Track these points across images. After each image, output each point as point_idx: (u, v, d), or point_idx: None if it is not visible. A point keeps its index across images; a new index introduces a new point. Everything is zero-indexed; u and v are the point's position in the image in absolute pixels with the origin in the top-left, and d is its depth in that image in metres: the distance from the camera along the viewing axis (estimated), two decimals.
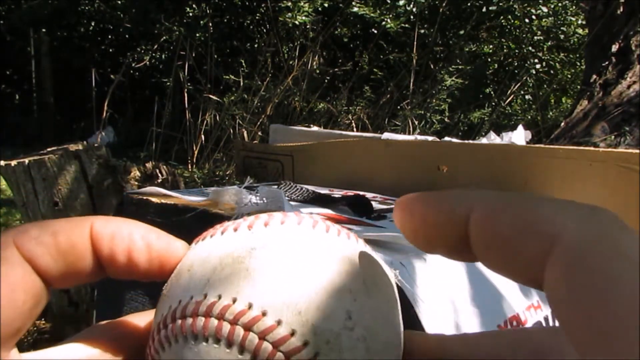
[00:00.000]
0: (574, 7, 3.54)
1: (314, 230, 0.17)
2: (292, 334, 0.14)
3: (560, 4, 3.56)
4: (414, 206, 0.16)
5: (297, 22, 2.99)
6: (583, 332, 0.11)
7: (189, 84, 2.79)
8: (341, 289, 0.15)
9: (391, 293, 0.16)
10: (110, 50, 5.25)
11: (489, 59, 3.96)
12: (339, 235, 0.17)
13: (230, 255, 0.16)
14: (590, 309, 0.10)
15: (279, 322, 0.14)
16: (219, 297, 0.15)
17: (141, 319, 0.18)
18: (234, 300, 0.14)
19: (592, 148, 0.53)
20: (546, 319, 0.46)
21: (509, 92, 3.00)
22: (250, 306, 0.14)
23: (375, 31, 3.26)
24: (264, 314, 0.14)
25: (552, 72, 3.67)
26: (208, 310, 0.14)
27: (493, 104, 3.22)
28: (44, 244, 0.15)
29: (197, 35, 3.78)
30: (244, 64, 2.84)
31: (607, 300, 0.10)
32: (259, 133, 2.40)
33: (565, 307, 0.11)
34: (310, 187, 0.62)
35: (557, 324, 0.12)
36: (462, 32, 3.57)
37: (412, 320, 0.33)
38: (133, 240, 0.16)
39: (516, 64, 3.54)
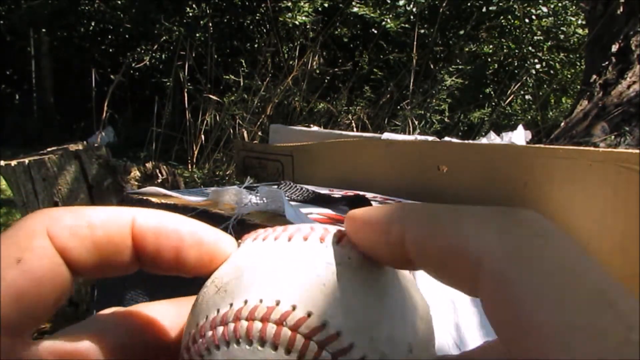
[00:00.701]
0: (574, 7, 3.54)
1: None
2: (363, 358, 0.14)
3: (560, 4, 3.56)
4: (358, 227, 0.16)
5: (297, 22, 2.99)
6: (508, 338, 0.11)
7: (189, 84, 2.79)
8: (407, 320, 0.15)
9: (432, 327, 0.16)
10: (110, 50, 5.25)
11: (489, 59, 3.96)
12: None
13: (303, 261, 0.15)
14: (517, 329, 0.11)
15: (351, 346, 0.14)
16: (293, 307, 0.14)
17: (150, 309, 0.17)
18: (309, 314, 0.14)
19: (592, 148, 0.53)
20: None
21: (509, 92, 2.99)
22: (325, 324, 0.14)
23: (375, 31, 3.26)
24: (338, 334, 0.14)
25: (552, 72, 3.67)
26: (281, 319, 0.14)
27: (493, 104, 3.22)
28: (80, 236, 0.15)
29: (197, 35, 3.78)
30: (244, 64, 2.84)
31: (528, 322, 0.11)
32: (259, 133, 2.40)
33: (498, 325, 0.12)
34: (310, 187, 0.62)
35: None
36: (462, 32, 3.57)
37: None
38: (182, 237, 0.16)
39: (516, 64, 3.54)
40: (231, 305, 0.15)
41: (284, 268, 0.15)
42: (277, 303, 0.14)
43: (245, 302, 0.15)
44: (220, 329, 0.14)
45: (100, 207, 0.16)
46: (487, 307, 0.12)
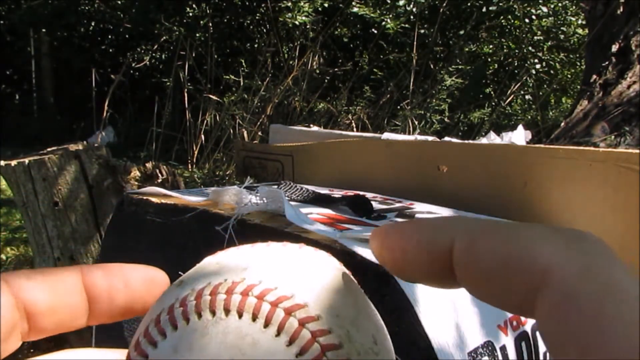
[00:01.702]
0: (574, 7, 3.54)
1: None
2: (330, 331, 0.14)
3: (560, 4, 3.56)
4: (391, 239, 0.15)
5: (297, 22, 2.99)
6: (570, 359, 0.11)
7: (189, 84, 2.79)
8: (372, 315, 0.15)
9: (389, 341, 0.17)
10: (110, 50, 5.25)
11: (489, 59, 3.96)
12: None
13: (272, 251, 0.16)
14: (583, 350, 0.10)
15: (318, 317, 0.14)
16: (260, 282, 0.14)
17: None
18: (276, 288, 0.14)
19: (592, 148, 0.53)
20: None
21: (509, 92, 3.00)
22: (292, 295, 0.14)
23: (375, 31, 3.26)
24: (306, 304, 0.14)
25: (552, 72, 3.67)
26: (247, 290, 0.14)
27: (493, 104, 3.22)
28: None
29: (197, 35, 3.78)
30: (244, 64, 2.84)
31: (601, 343, 0.10)
32: (259, 133, 2.40)
33: (558, 344, 0.11)
34: (310, 187, 0.62)
35: None
36: (462, 32, 3.57)
37: (412, 320, 0.33)
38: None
39: (516, 64, 3.54)
40: (193, 289, 0.14)
41: (249, 253, 0.15)
42: (242, 280, 0.14)
43: (209, 283, 0.14)
44: (179, 309, 0.14)
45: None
46: (547, 324, 0.11)
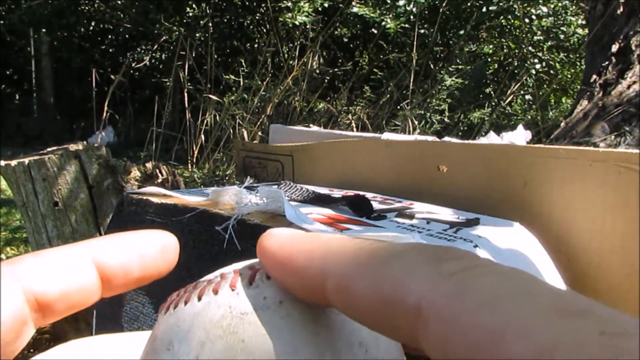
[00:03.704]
0: (574, 7, 3.54)
1: None
2: None
3: (560, 4, 3.56)
4: (273, 263, 0.14)
5: (297, 22, 2.99)
6: None
7: (189, 84, 2.79)
8: (350, 350, 0.14)
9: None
10: (110, 50, 5.26)
11: (489, 59, 3.96)
12: None
13: (218, 325, 0.13)
14: None
15: None
16: None
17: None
18: None
19: (592, 148, 0.53)
20: None
21: (509, 92, 2.99)
22: None
23: (375, 31, 3.26)
24: None
25: (552, 72, 3.67)
26: None
27: (493, 104, 3.22)
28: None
29: (197, 35, 3.78)
30: (244, 64, 2.84)
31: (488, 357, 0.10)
32: (259, 133, 2.40)
33: None
34: (310, 187, 0.62)
35: None
36: (462, 32, 3.57)
37: None
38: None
39: (516, 64, 3.54)
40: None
41: (197, 337, 0.13)
42: None
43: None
44: None
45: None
46: (434, 354, 0.11)
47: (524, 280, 0.11)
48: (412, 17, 3.13)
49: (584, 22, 3.23)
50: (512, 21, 3.71)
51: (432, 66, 3.29)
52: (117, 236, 0.16)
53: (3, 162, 1.07)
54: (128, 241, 0.16)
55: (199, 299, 0.14)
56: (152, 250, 0.16)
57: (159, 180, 1.18)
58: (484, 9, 3.46)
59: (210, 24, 3.67)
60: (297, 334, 0.13)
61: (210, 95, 2.51)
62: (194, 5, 4.14)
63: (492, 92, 3.63)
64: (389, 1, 3.27)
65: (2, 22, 4.92)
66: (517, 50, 3.68)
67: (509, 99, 3.07)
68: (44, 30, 4.77)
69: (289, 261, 0.14)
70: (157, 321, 0.15)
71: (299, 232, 0.15)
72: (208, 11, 3.92)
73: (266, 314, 0.13)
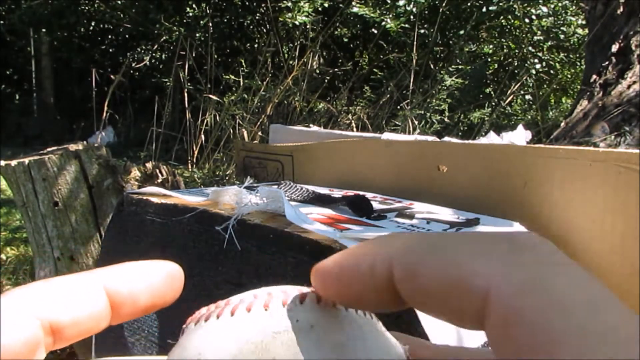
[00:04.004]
0: (574, 7, 3.54)
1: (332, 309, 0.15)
2: None
3: (560, 4, 3.56)
4: (333, 275, 0.15)
5: (297, 22, 2.99)
6: None
7: (189, 84, 2.79)
8: None
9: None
10: (110, 50, 5.26)
11: (489, 59, 3.96)
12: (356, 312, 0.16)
13: (250, 341, 0.13)
14: None
15: None
16: None
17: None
18: None
19: (592, 148, 0.53)
20: None
21: (509, 92, 2.99)
22: None
23: (375, 31, 3.26)
24: None
25: (552, 72, 3.67)
26: None
27: (493, 104, 3.22)
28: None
29: (197, 35, 3.78)
30: (244, 64, 2.84)
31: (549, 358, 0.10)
32: (259, 133, 2.40)
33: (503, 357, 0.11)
34: (310, 187, 0.62)
35: None
36: (462, 32, 3.57)
37: (411, 320, 0.33)
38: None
39: (516, 64, 3.54)
40: None
41: (229, 350, 0.13)
42: None
43: None
44: None
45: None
46: (495, 343, 0.11)
47: (598, 290, 0.11)
48: (412, 17, 3.13)
49: (584, 22, 3.23)
50: (512, 21, 3.71)
51: (432, 66, 3.29)
52: (126, 265, 0.17)
53: (3, 162, 1.07)
54: (137, 270, 0.16)
55: (232, 314, 0.14)
56: (159, 279, 0.16)
57: (159, 180, 1.18)
58: (484, 9, 3.46)
59: (210, 24, 3.67)
60: (326, 358, 0.13)
61: (210, 95, 2.51)
62: (194, 5, 4.14)
63: (492, 92, 3.63)
64: (389, 1, 3.27)
65: (2, 22, 4.92)
66: (517, 50, 3.68)
67: (509, 99, 3.07)
68: (44, 30, 4.77)
69: (353, 266, 0.14)
70: (184, 333, 0.15)
71: (353, 247, 0.15)
72: (208, 11, 3.92)
73: (298, 335, 0.14)
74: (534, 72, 3.37)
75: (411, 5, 3.15)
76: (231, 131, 2.44)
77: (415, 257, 0.13)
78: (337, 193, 0.63)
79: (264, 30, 4.10)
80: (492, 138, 0.95)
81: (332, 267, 0.15)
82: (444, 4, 3.09)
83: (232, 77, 2.82)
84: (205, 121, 2.46)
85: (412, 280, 0.13)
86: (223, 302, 0.15)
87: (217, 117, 2.48)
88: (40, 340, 0.14)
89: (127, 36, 4.98)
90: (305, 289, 0.16)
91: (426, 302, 0.13)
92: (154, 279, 0.16)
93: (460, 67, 3.07)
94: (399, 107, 2.75)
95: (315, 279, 0.15)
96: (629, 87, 1.52)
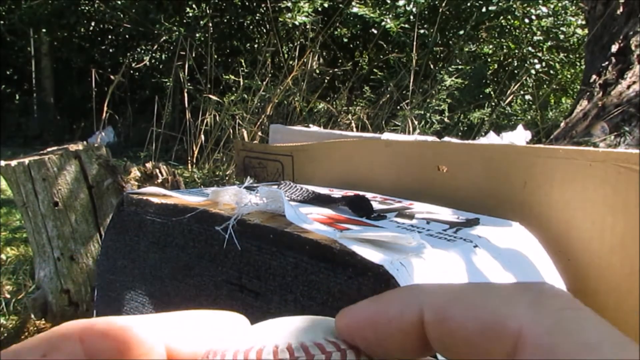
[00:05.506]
0: (574, 7, 3.54)
1: None
2: None
3: (560, 4, 3.56)
4: (360, 318, 0.15)
5: (297, 22, 2.99)
6: None
7: (189, 84, 2.79)
8: None
9: None
10: (110, 50, 5.26)
11: (489, 59, 3.96)
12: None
13: None
14: None
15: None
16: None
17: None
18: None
19: (592, 148, 0.53)
20: None
21: (509, 92, 2.99)
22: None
23: (375, 31, 3.26)
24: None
25: (552, 72, 3.67)
26: None
27: (493, 104, 3.22)
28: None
29: (197, 35, 3.78)
30: (244, 64, 2.84)
31: None
32: (259, 133, 2.40)
33: None
34: (310, 187, 0.62)
35: None
36: (462, 32, 3.57)
37: None
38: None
39: (516, 64, 3.54)
40: None
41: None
42: None
43: None
44: None
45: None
46: None
47: (616, 331, 0.12)
48: (412, 17, 3.13)
49: (583, 22, 3.23)
50: (512, 21, 3.71)
51: (432, 66, 3.29)
52: (191, 319, 0.16)
53: (3, 162, 1.07)
54: (201, 325, 0.16)
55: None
56: (222, 334, 0.16)
57: (159, 180, 1.18)
58: (484, 9, 3.46)
59: (210, 24, 3.68)
60: None
61: (210, 95, 2.51)
62: (194, 5, 4.14)
63: (492, 92, 3.63)
64: (389, 1, 3.27)
65: (2, 22, 4.92)
66: (516, 51, 3.68)
67: (509, 99, 3.06)
68: (44, 30, 4.77)
69: (381, 311, 0.14)
70: None
71: (372, 297, 0.15)
72: (208, 11, 3.92)
73: None
74: (533, 72, 3.38)
75: (411, 6, 3.15)
76: (231, 131, 2.44)
77: (446, 302, 0.13)
78: (337, 193, 0.64)
79: (264, 31, 4.11)
80: (492, 138, 0.95)
81: (361, 311, 0.15)
82: (443, 4, 3.09)
83: (232, 77, 2.83)
84: (205, 121, 2.46)
85: (443, 323, 0.13)
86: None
87: (217, 117, 2.48)
88: None
89: (127, 36, 4.98)
90: (311, 318, 0.16)
91: (455, 344, 0.13)
92: (218, 334, 0.16)
93: (460, 67, 3.07)
94: (398, 107, 2.75)
95: (341, 321, 0.15)
96: (628, 87, 1.52)
